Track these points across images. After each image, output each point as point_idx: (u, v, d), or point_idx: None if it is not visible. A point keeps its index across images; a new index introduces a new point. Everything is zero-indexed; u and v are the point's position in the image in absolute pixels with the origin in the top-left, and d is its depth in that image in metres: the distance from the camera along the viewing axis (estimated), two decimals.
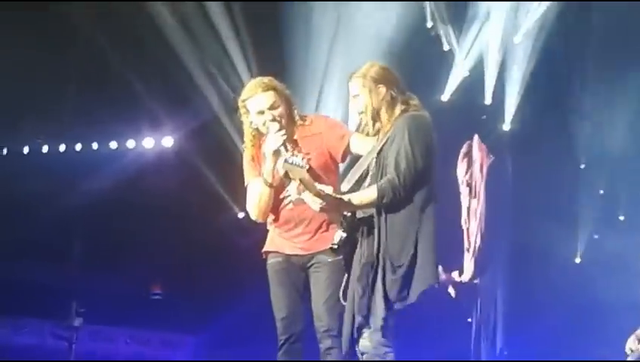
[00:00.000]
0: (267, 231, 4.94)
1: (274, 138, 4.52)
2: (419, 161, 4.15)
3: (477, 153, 9.92)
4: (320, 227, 4.72)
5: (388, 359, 4.07)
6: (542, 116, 10.68)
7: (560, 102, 10.65)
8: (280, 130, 4.56)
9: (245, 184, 4.85)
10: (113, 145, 14.24)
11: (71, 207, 13.61)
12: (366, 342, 4.10)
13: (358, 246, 4.20)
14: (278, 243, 4.81)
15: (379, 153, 4.26)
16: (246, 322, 12.41)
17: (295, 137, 4.73)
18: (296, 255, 4.71)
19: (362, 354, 4.11)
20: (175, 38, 12.19)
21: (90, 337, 13.06)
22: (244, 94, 4.76)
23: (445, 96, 11.63)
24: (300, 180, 4.10)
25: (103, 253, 13.85)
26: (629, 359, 7.34)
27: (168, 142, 14.33)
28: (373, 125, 4.38)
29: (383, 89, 4.33)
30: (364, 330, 4.09)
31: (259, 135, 4.78)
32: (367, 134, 4.49)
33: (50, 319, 11.93)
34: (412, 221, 4.15)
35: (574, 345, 9.17)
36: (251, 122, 4.76)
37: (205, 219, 14.09)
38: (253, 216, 4.82)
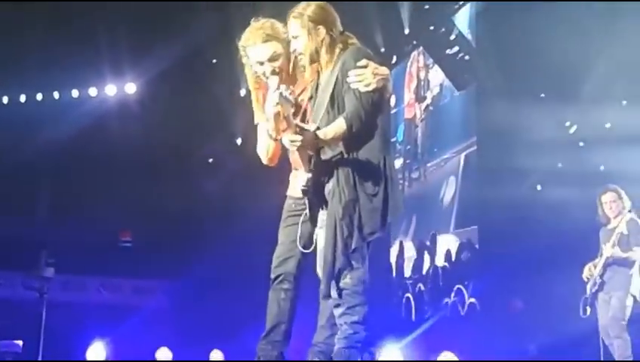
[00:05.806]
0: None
1: (272, 97, 4.28)
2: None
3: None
4: None
5: (364, 298, 4.11)
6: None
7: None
8: (278, 87, 4.33)
9: (255, 123, 4.69)
10: (75, 93, 14.10)
11: (35, 157, 13.51)
12: (347, 280, 4.11)
13: (332, 186, 4.16)
14: (291, 185, 4.69)
15: (333, 91, 4.20)
16: (216, 267, 12.46)
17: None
18: (300, 197, 4.51)
19: (342, 290, 4.12)
20: None
21: (62, 287, 13.09)
22: (243, 40, 4.52)
23: None
24: (285, 116, 4.10)
25: (70, 202, 13.82)
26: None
27: (131, 88, 14.22)
28: (311, 65, 4.29)
29: (322, 30, 4.21)
30: (346, 270, 4.10)
31: (261, 78, 4.58)
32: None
33: (21, 270, 11.90)
34: (380, 148, 4.16)
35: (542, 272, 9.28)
36: (252, 66, 4.56)
37: (171, 164, 14.06)
38: (263, 162, 4.70)
